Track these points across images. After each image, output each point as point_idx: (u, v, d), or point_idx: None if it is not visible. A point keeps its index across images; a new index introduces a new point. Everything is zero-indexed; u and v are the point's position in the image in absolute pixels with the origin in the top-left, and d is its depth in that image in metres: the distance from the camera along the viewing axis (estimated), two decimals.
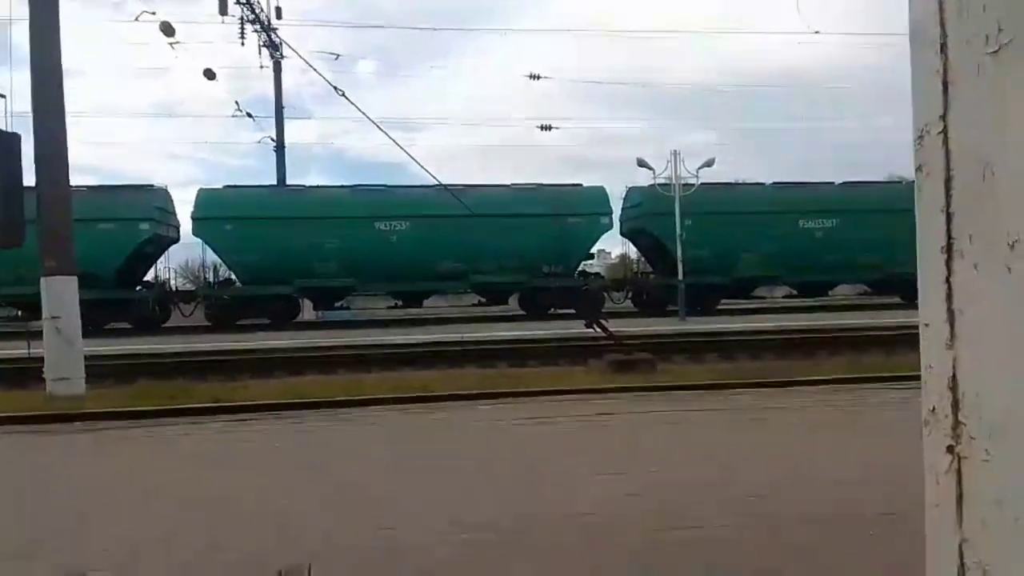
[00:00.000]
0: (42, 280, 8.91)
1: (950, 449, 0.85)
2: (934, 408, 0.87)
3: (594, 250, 25.33)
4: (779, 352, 12.19)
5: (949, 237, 0.85)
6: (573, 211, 22.00)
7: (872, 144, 68.58)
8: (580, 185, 23.43)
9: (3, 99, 9.33)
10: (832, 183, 24.02)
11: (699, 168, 20.69)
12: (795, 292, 24.92)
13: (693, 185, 20.68)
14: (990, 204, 0.79)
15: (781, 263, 22.21)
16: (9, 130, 9.31)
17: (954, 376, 0.84)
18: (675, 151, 20.61)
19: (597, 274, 26.02)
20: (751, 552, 3.19)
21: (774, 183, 23.95)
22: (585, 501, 3.92)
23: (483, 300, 23.44)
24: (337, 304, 23.38)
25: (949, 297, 0.84)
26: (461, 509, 3.86)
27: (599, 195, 22.96)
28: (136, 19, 21.42)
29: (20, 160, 9.39)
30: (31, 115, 9.21)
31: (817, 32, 22.59)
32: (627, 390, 7.84)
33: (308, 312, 23.78)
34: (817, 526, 3.45)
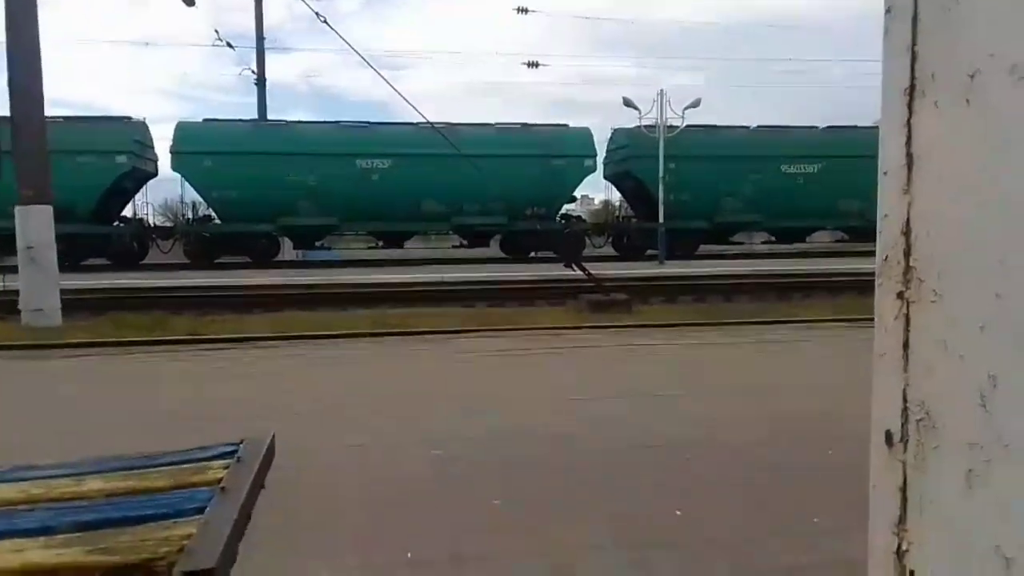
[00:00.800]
0: (16, 209, 8.84)
1: (900, 295, 0.83)
2: (887, 257, 0.86)
3: (577, 194, 25.27)
4: (753, 295, 12.41)
5: (912, 77, 0.82)
6: (558, 152, 21.84)
7: (860, 89, 68.14)
8: (566, 126, 23.21)
9: None
10: (816, 127, 23.92)
11: (685, 109, 20.53)
12: (773, 238, 25.08)
13: (678, 127, 20.55)
14: (953, 36, 0.77)
15: (761, 208, 22.30)
16: None
17: (908, 221, 0.82)
18: (661, 90, 20.41)
19: (579, 217, 26.01)
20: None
21: (758, 127, 23.85)
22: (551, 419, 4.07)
23: (464, 243, 23.39)
24: (318, 243, 23.28)
25: (908, 141, 0.82)
26: (431, 426, 4.00)
27: (584, 137, 22.77)
28: None
29: None
30: (3, 44, 9.00)
31: None
32: (600, 328, 7.98)
33: (288, 251, 23.69)
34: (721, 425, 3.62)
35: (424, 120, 17.46)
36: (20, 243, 8.79)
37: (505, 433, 3.96)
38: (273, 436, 1.47)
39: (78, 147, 18.13)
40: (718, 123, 23.29)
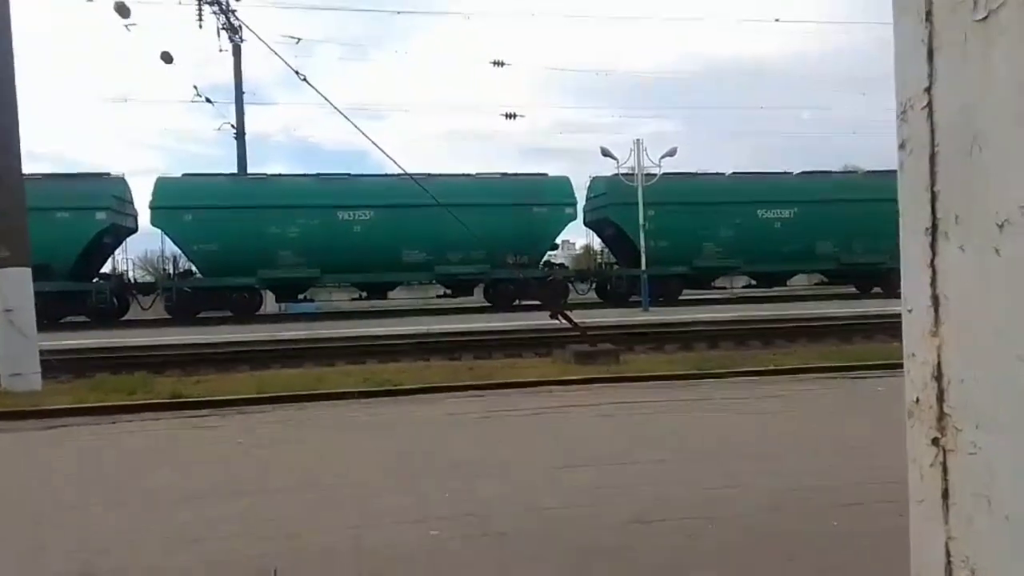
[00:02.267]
0: None
1: (935, 442, 0.80)
2: (918, 399, 0.83)
3: (558, 240, 25.45)
4: (739, 341, 12.48)
5: (934, 218, 0.79)
6: (538, 201, 22.04)
7: (831, 134, 69.85)
8: (545, 175, 23.50)
9: None
10: (790, 173, 24.44)
11: (661, 158, 20.88)
12: (754, 282, 25.35)
13: (656, 175, 20.87)
14: (978, 181, 0.74)
15: (741, 253, 22.58)
16: None
17: (939, 365, 0.79)
18: (638, 140, 20.76)
19: (561, 265, 26.14)
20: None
21: (733, 173, 24.31)
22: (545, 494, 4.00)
23: (448, 292, 23.39)
24: (301, 296, 23.14)
25: (933, 282, 0.80)
26: (425, 501, 3.91)
27: (563, 185, 23.04)
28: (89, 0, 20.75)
29: None
30: None
31: (777, 20, 22.86)
32: (589, 382, 7.95)
33: (271, 304, 23.51)
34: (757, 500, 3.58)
35: (403, 171, 17.72)
36: None
37: (500, 508, 3.86)
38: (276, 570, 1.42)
39: (57, 204, 18.05)
40: (692, 170, 23.75)
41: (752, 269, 23.89)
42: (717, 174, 24.36)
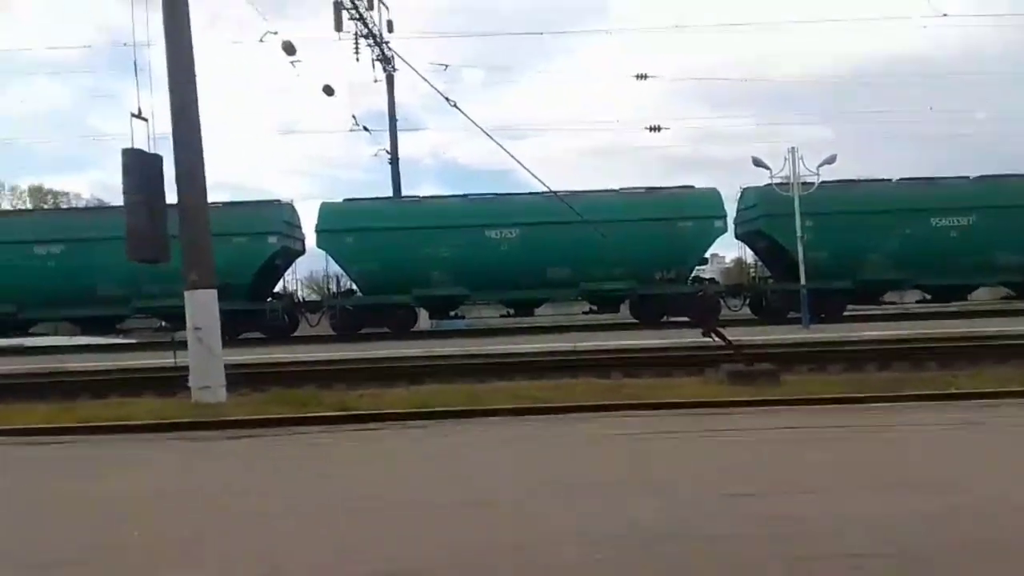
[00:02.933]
0: (186, 293, 9.62)
1: None
2: None
3: (708, 254, 24.72)
4: (913, 362, 11.52)
5: None
6: (685, 215, 21.56)
7: (1010, 135, 63.31)
8: (692, 187, 22.95)
9: (145, 122, 10.06)
10: (966, 177, 22.39)
11: (820, 165, 19.76)
12: (928, 297, 23.36)
13: (812, 184, 19.80)
14: None
15: (912, 265, 20.89)
16: (152, 151, 10.20)
17: None
18: (793, 148, 19.77)
19: (712, 280, 25.35)
20: None
21: (901, 179, 22.60)
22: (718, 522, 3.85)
23: (594, 308, 23.32)
24: (452, 313, 23.90)
25: None
26: (585, 520, 3.88)
27: (712, 197, 22.39)
28: (260, 40, 22.69)
29: (162, 180, 10.24)
30: (171, 136, 9.96)
31: (945, 15, 21.11)
32: (750, 404, 7.62)
33: (424, 321, 24.45)
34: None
35: (548, 189, 17.91)
36: (189, 324, 9.54)
37: (661, 533, 3.76)
38: None
39: (234, 229, 19.68)
40: (851, 177, 22.33)
41: (926, 282, 22.03)
42: (882, 180, 22.75)
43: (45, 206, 42.80)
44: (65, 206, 42.87)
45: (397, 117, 29.70)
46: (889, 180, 22.67)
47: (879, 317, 20.88)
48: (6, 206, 45.01)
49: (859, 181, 22.99)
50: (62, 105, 71.51)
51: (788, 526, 3.75)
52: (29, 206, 43.83)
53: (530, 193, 20.90)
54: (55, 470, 6.03)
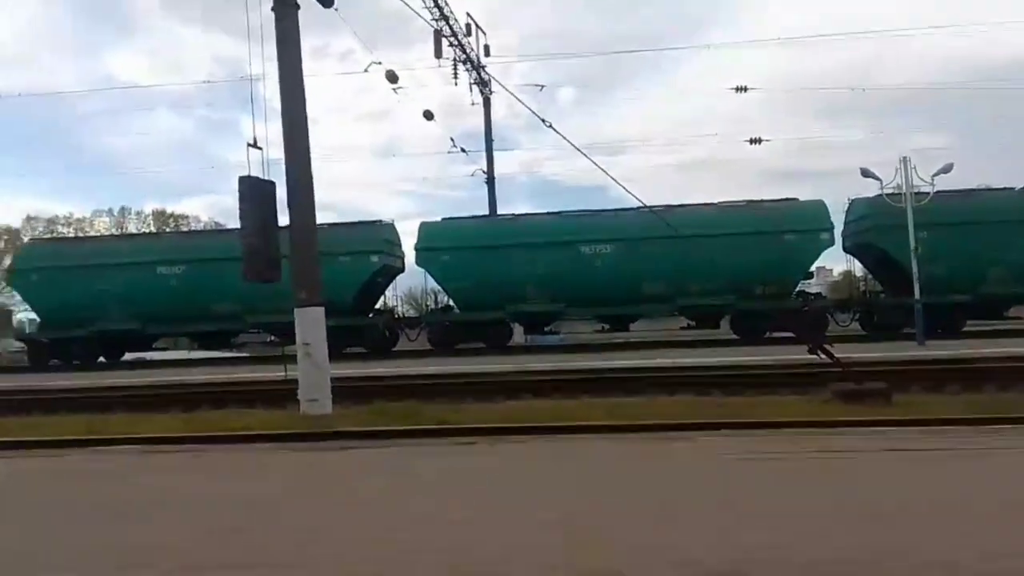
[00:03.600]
0: (296, 311, 10.10)
1: None
2: None
3: (814, 268, 23.81)
4: None
5: None
6: (789, 227, 20.88)
7: None
8: (796, 199, 22.22)
9: (260, 150, 10.64)
10: None
11: (935, 175, 18.68)
12: None
13: (927, 194, 18.77)
14: None
15: None
16: (266, 177, 10.82)
17: None
18: (905, 158, 18.76)
19: (818, 294, 24.37)
20: None
21: None
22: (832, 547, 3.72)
23: (692, 323, 22.87)
24: (546, 329, 23.98)
25: None
26: (688, 549, 3.83)
27: (818, 209, 21.60)
28: (366, 70, 23.71)
29: (275, 204, 10.83)
30: (283, 162, 10.55)
31: None
32: (858, 424, 7.30)
33: (519, 336, 24.63)
34: None
35: (642, 205, 17.76)
36: (299, 340, 10.01)
37: (769, 558, 3.66)
38: None
39: (339, 249, 20.46)
40: (968, 185, 21.03)
41: None
42: (1004, 189, 21.33)
43: (168, 229, 45.85)
44: (186, 229, 45.85)
45: (493, 137, 30.29)
46: (1012, 189, 21.25)
47: (1003, 333, 19.49)
48: (132, 229, 48.53)
49: (978, 191, 21.67)
50: (183, 135, 76.62)
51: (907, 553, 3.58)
52: (153, 229, 47.04)
53: (624, 209, 20.77)
54: (189, 473, 6.45)
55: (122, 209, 52.34)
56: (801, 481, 5.31)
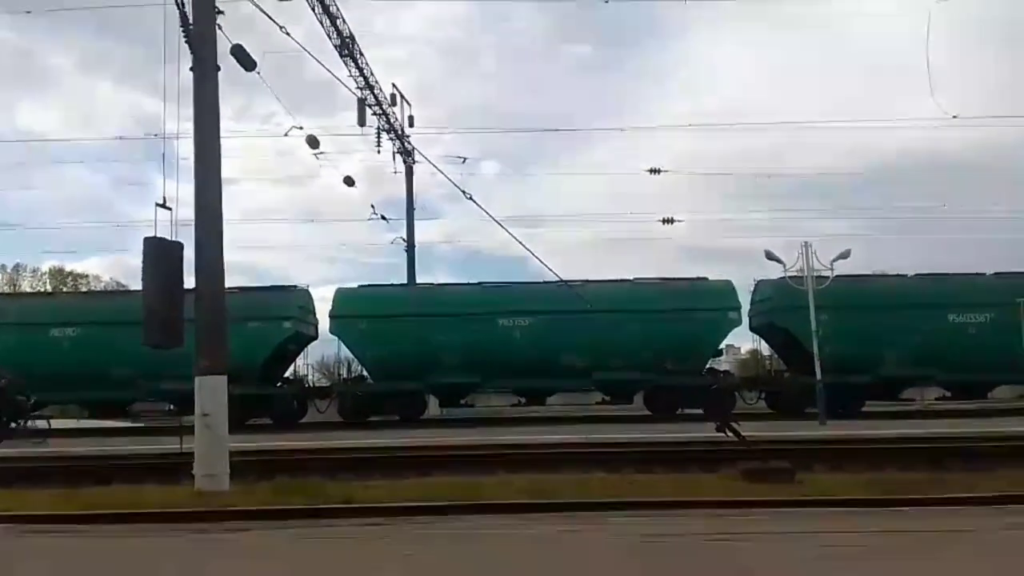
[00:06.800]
0: (196, 379, 9.58)
1: None
2: None
3: (723, 346, 24.56)
4: (933, 461, 11.13)
5: None
6: (699, 306, 21.57)
7: None
8: (705, 279, 23.02)
9: (169, 210, 10.25)
10: (983, 274, 22.36)
11: (834, 260, 19.81)
12: (948, 393, 22.90)
13: (827, 278, 19.80)
14: None
15: (931, 360, 20.61)
16: (174, 239, 10.39)
17: None
18: (806, 243, 19.88)
19: (727, 372, 25.06)
20: None
21: (918, 274, 22.58)
22: None
23: (607, 398, 23.04)
24: (462, 401, 23.68)
25: None
26: None
27: (726, 289, 22.43)
28: (286, 134, 23.57)
29: (182, 267, 10.39)
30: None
31: (955, 116, 21.58)
32: (764, 504, 7.37)
33: (434, 408, 24.21)
34: None
35: (560, 280, 18.02)
36: (197, 410, 9.45)
37: None
38: None
39: (249, 315, 19.78)
40: (867, 270, 22.38)
41: (947, 378, 21.66)
42: (898, 275, 22.77)
43: (64, 289, 43.49)
44: (84, 289, 43.58)
45: (415, 206, 30.40)
46: (904, 275, 22.68)
47: (900, 414, 20.43)
48: (26, 288, 45.81)
49: (874, 276, 23.01)
50: (90, 192, 73.85)
51: None
52: (49, 288, 44.54)
53: (543, 282, 21.02)
54: (54, 562, 5.86)
55: (16, 266, 49.44)
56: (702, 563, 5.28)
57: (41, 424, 17.57)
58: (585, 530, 6.54)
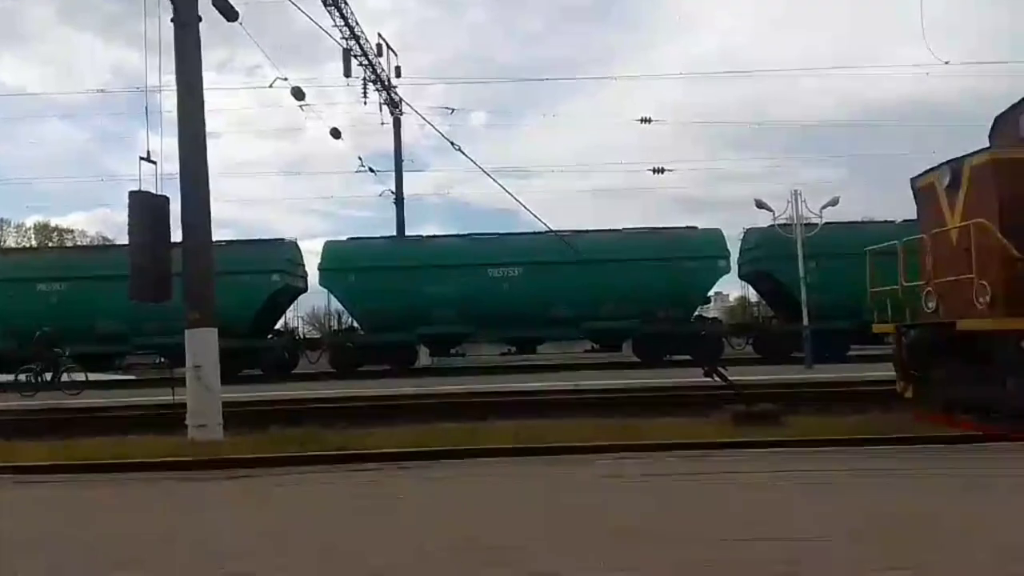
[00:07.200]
0: (186, 331, 9.58)
1: None
2: None
3: (711, 294, 24.74)
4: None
5: None
6: (688, 254, 21.65)
7: None
8: (695, 228, 23.06)
9: (154, 164, 10.14)
10: None
11: (823, 208, 19.87)
12: None
13: (816, 225, 19.86)
14: None
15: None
16: (159, 193, 10.27)
17: None
18: (796, 191, 19.86)
19: (715, 319, 25.29)
20: None
21: (905, 220, 22.60)
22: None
23: (596, 346, 23.26)
24: (452, 351, 23.85)
25: None
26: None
27: (715, 237, 22.50)
28: (270, 86, 23.14)
29: (168, 220, 10.30)
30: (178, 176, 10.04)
31: (947, 63, 21.38)
32: (750, 445, 7.51)
33: (425, 358, 24.38)
34: None
35: (550, 231, 17.99)
36: (188, 362, 9.48)
37: None
38: None
39: (238, 268, 19.73)
40: (856, 217, 22.44)
41: None
42: (886, 222, 22.81)
43: (50, 244, 43.09)
44: (70, 244, 43.19)
45: (403, 158, 30.09)
46: (893, 222, 22.73)
47: (884, 358, 20.72)
48: (11, 243, 45.34)
49: (863, 223, 23.08)
50: (75, 146, 72.57)
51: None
52: (34, 244, 44.11)
53: (533, 233, 21.01)
54: (50, 511, 5.93)
55: (0, 221, 48.88)
56: (689, 500, 5.40)
57: (78, 376, 17.54)
58: (576, 472, 6.66)
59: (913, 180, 9.41)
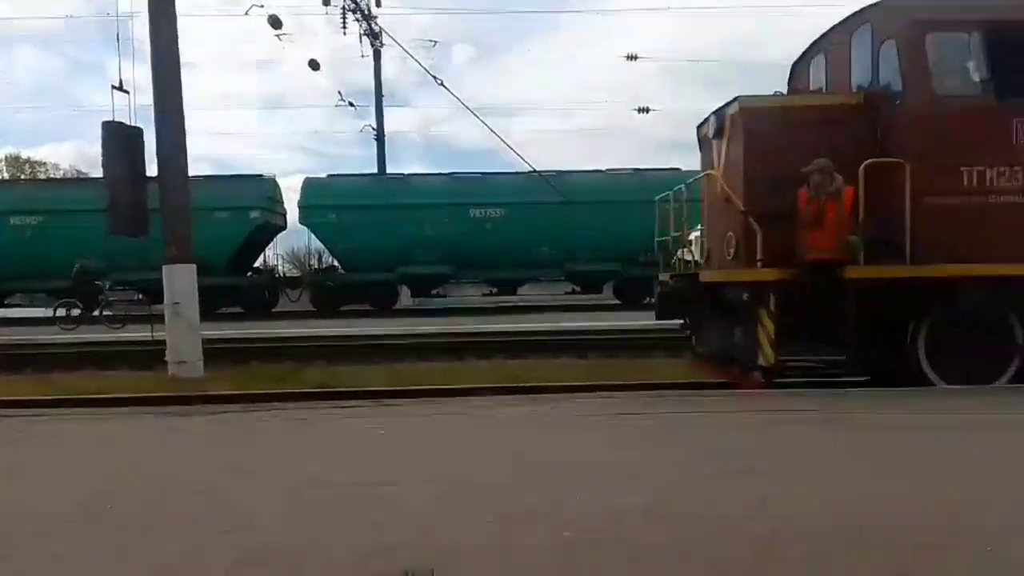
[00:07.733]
0: (164, 268, 9.51)
1: None
2: None
3: (692, 237, 24.80)
4: None
5: None
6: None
7: None
8: (678, 169, 22.92)
9: (127, 94, 9.88)
10: None
11: None
12: None
13: None
14: None
15: None
16: (133, 124, 10.03)
17: None
18: None
19: (696, 262, 25.42)
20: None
21: None
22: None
23: (577, 288, 23.38)
24: (433, 292, 23.88)
25: None
26: (564, 508, 3.89)
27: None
28: (246, 13, 22.43)
29: (143, 153, 10.09)
30: (152, 109, 9.79)
31: None
32: (728, 386, 7.68)
33: (406, 299, 24.40)
34: None
35: (533, 171, 17.81)
36: (167, 299, 9.43)
37: (636, 515, 3.78)
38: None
39: (216, 204, 19.49)
40: None
41: None
42: None
43: (22, 176, 42.16)
44: (43, 177, 42.28)
45: (384, 93, 29.52)
46: None
47: None
48: None
49: None
50: (44, 75, 70.27)
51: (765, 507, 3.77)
52: (6, 176, 43.14)
53: (516, 173, 20.83)
54: (27, 442, 5.95)
55: None
56: (662, 438, 5.53)
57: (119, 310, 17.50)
58: (556, 410, 6.76)
59: (697, 128, 9.08)
